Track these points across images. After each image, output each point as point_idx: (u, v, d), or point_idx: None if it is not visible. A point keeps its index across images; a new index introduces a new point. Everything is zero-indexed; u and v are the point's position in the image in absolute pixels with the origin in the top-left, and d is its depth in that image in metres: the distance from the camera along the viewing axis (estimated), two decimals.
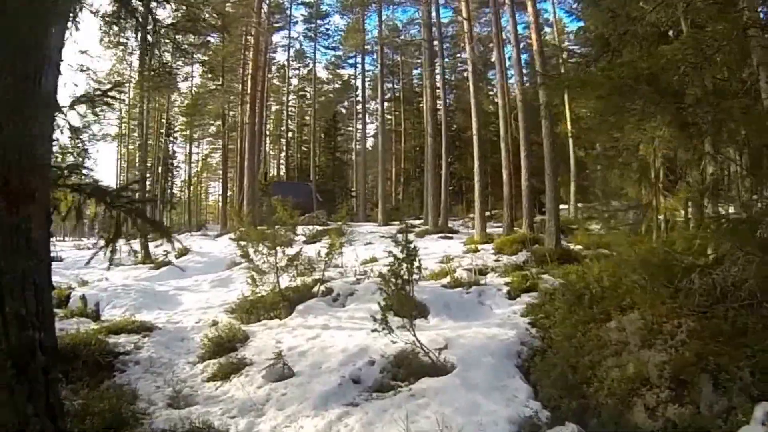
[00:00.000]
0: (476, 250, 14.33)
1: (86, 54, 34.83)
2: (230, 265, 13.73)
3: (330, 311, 8.48)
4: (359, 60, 35.71)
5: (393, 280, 6.20)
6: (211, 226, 37.59)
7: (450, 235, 19.24)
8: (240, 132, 35.84)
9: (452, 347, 6.54)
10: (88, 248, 18.89)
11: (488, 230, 17.79)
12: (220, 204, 36.95)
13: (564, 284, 7.36)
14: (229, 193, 38.09)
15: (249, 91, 22.97)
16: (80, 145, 5.43)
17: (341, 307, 8.77)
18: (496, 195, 32.82)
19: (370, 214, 32.18)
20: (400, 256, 6.17)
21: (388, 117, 38.72)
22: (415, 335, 6.21)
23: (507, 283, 9.49)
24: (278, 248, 8.87)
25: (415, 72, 40.91)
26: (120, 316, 9.39)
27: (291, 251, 9.21)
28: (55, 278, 12.00)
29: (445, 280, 10.17)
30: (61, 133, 4.21)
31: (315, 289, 9.38)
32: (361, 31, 32.76)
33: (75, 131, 4.62)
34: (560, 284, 7.78)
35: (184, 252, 16.17)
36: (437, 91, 23.89)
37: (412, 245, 6.28)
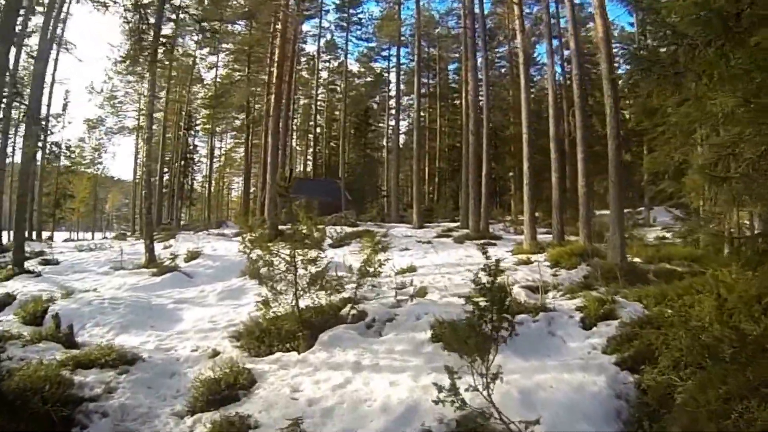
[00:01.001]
0: (529, 262, 12.44)
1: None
2: (245, 271, 11.89)
3: (363, 343, 6.54)
4: (393, 52, 33.97)
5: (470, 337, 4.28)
6: (231, 223, 36.07)
7: (493, 241, 17.19)
8: (265, 125, 34.18)
9: (532, 406, 4.76)
10: (91, 249, 17.30)
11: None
12: (242, 201, 35.48)
13: (668, 320, 5.46)
14: (251, 190, 36.52)
15: (275, 81, 21.10)
16: None
17: (377, 337, 6.83)
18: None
19: (404, 214, 30.20)
20: (483, 303, 4.26)
21: (422, 114, 36.72)
22: (491, 400, 4.29)
23: (578, 308, 7.58)
24: (298, 262, 6.95)
25: (450, 67, 38.90)
26: (101, 337, 7.63)
27: (314, 268, 7.24)
28: (41, 285, 9.99)
29: None
30: None
31: (344, 311, 7.46)
32: (396, 19, 30.82)
33: None
34: (646, 315, 6.38)
35: (194, 255, 14.41)
36: (480, 86, 21.69)
37: (497, 281, 4.35)
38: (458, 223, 23.78)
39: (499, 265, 4.88)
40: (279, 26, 21.71)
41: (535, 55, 30.66)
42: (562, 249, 12.83)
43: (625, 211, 17.88)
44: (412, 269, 11.99)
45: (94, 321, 8.26)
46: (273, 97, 20.94)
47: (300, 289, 7.03)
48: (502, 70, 35.24)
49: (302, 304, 7.19)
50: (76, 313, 8.41)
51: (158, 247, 16.87)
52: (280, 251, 7.27)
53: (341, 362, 6.03)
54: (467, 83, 26.77)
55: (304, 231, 7.27)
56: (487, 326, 4.36)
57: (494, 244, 16.63)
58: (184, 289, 10.95)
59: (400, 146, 41.90)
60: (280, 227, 19.03)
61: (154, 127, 40.42)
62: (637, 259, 11.81)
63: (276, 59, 21.43)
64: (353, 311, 7.35)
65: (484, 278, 4.49)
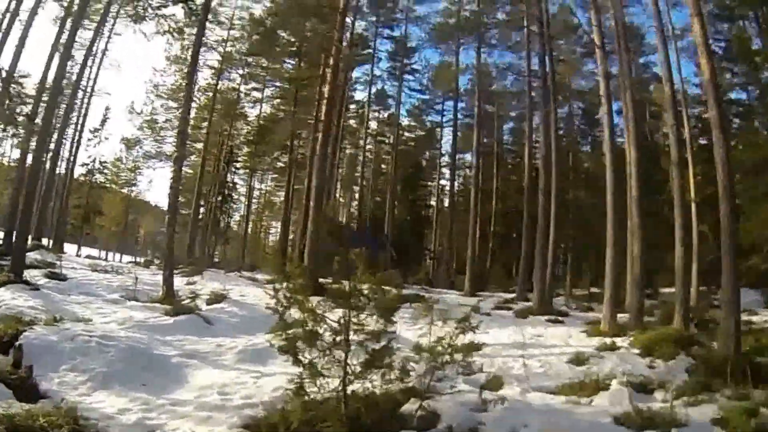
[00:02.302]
0: (614, 347, 9.97)
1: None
2: (276, 327, 9.80)
3: None
4: (447, 106, 32.55)
5: None
6: (266, 269, 34.26)
7: (560, 318, 14.82)
8: (309, 169, 32.86)
9: None
10: (105, 271, 15.51)
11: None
12: (279, 247, 33.73)
13: None
14: (290, 237, 34.88)
15: (323, 117, 19.60)
16: None
17: None
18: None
19: (453, 280, 27.81)
20: None
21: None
22: None
23: (715, 421, 5.45)
24: (352, 333, 4.89)
25: (505, 126, 37.29)
26: (73, 389, 5.64)
27: (374, 344, 5.14)
28: (32, 302, 7.30)
29: (599, 402, 6.30)
30: None
31: (406, 408, 5.27)
32: (453, 67, 29.52)
33: None
34: None
35: (218, 297, 12.34)
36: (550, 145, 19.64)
37: None
38: (513, 294, 21.54)
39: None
40: (331, 61, 20.33)
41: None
42: (654, 334, 10.31)
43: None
44: (475, 348, 9.67)
45: (72, 364, 6.27)
46: (320, 135, 19.34)
47: (350, 372, 4.89)
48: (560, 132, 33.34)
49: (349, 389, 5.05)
50: (52, 349, 6.48)
51: (180, 282, 15.02)
52: (326, 315, 5.24)
53: None
54: (530, 141, 25.02)
55: (364, 290, 5.21)
56: None
57: (562, 322, 14.30)
58: (198, 338, 8.85)
59: (444, 209, 40.80)
60: (321, 280, 17.24)
61: (193, 157, 40.44)
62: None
63: (326, 91, 19.90)
64: (420, 411, 5.12)
65: None
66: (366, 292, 5.25)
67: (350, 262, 5.69)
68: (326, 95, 19.24)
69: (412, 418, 5.11)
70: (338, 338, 5.03)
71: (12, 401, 4.83)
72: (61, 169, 34.62)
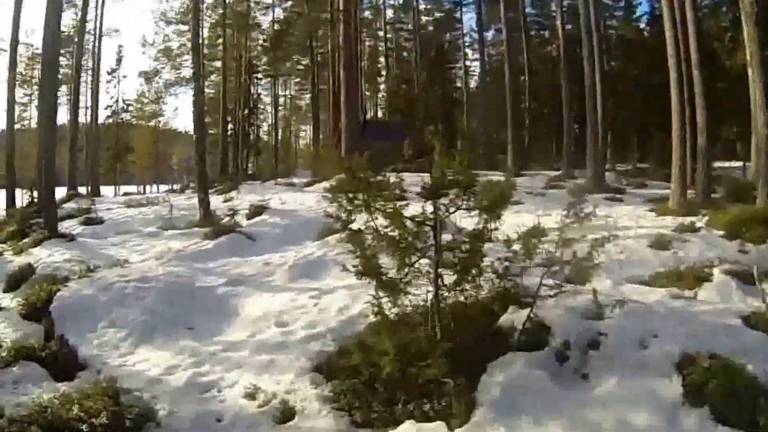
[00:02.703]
0: (693, 228, 8.56)
1: None
2: (323, 232, 8.89)
3: (564, 401, 3.40)
4: None
5: None
6: (300, 172, 33.46)
7: (618, 196, 13.53)
8: (331, 66, 31.00)
9: None
10: (141, 205, 14.72)
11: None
12: (312, 147, 32.86)
13: None
14: (320, 137, 33.68)
15: (342, 6, 17.46)
16: None
17: (583, 386, 3.61)
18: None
19: (490, 161, 26.26)
20: None
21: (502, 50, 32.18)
22: None
23: None
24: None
25: None
26: (115, 348, 4.92)
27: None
28: (70, 253, 6.68)
29: (706, 295, 5.32)
30: None
31: (505, 319, 4.25)
32: None
33: None
34: None
35: (258, 210, 11.51)
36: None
37: None
38: (558, 172, 20.00)
39: None
40: None
41: None
42: (736, 213, 8.75)
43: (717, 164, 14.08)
44: (540, 232, 8.52)
45: (109, 319, 5.49)
46: (341, 25, 17.33)
47: (441, 284, 3.84)
48: None
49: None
50: (88, 305, 5.73)
51: (217, 201, 14.25)
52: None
53: None
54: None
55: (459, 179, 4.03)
56: None
57: (621, 200, 13.07)
58: (243, 259, 8.01)
59: (478, 88, 38.49)
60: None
61: (213, 77, 38.80)
62: None
63: None
64: (528, 324, 4.06)
65: None
66: (461, 181, 4.03)
67: (424, 143, 4.47)
68: None
69: (514, 332, 4.07)
70: (419, 237, 3.90)
71: (47, 383, 4.14)
72: (86, 116, 34.34)
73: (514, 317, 4.25)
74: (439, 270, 3.91)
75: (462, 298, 4.22)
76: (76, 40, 24.33)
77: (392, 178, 4.22)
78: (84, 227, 11.39)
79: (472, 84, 39.51)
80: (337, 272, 5.33)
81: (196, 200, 12.63)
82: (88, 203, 14.90)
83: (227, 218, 10.63)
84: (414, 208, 4.19)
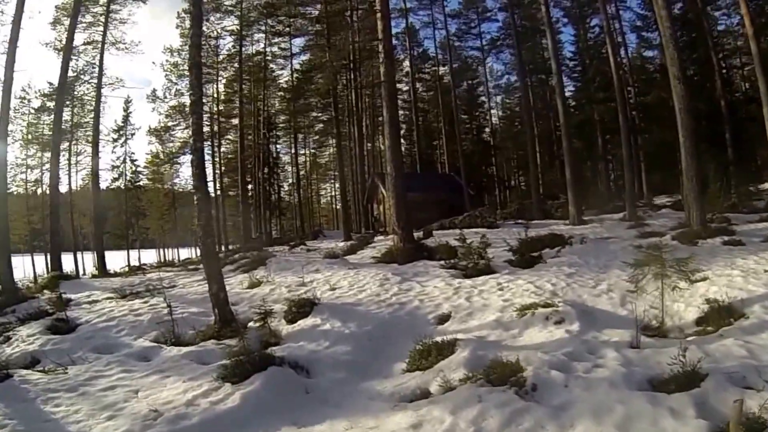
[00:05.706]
0: None
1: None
2: (423, 350, 5.15)
3: None
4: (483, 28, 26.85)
5: None
6: (327, 232, 30.17)
7: (732, 238, 10.00)
8: (356, 117, 28.20)
9: None
10: (136, 295, 10.42)
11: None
12: (339, 206, 29.61)
13: None
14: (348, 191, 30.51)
15: (381, 36, 14.24)
16: None
17: None
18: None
19: (547, 208, 22.52)
20: None
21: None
22: None
23: None
24: None
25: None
26: None
27: None
28: None
29: None
30: None
31: None
32: None
33: None
34: None
35: (302, 308, 7.39)
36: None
37: None
38: (620, 215, 18.29)
39: None
40: None
41: None
42: None
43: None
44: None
45: None
46: (383, 56, 14.13)
47: None
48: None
49: None
50: None
51: (240, 284, 10.52)
52: None
53: None
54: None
55: None
56: None
57: (741, 242, 9.62)
58: (296, 429, 4.22)
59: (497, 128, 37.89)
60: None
61: (230, 135, 36.41)
62: None
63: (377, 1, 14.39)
64: None
65: None
66: None
67: None
68: (378, 6, 13.85)
69: None
70: None
71: None
72: (77, 180, 31.66)
73: None
74: None
75: None
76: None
77: None
78: (47, 338, 7.47)
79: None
80: None
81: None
82: (76, 291, 11.31)
83: (257, 323, 6.85)
84: None
